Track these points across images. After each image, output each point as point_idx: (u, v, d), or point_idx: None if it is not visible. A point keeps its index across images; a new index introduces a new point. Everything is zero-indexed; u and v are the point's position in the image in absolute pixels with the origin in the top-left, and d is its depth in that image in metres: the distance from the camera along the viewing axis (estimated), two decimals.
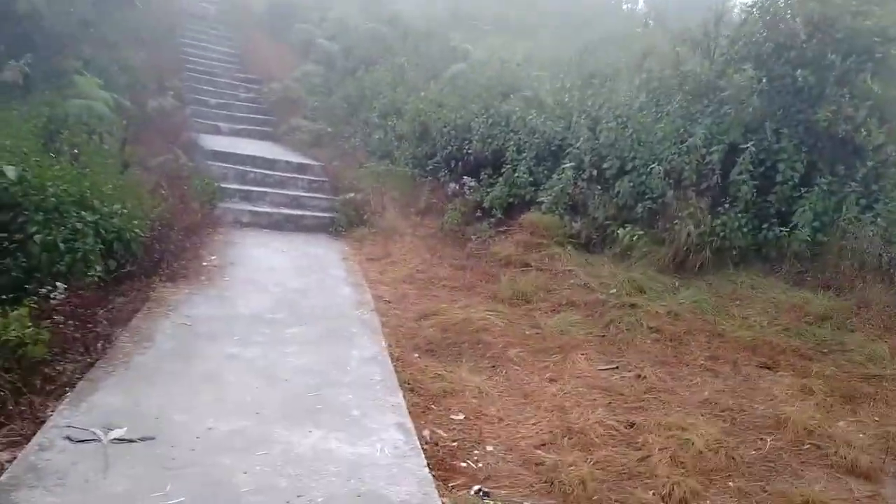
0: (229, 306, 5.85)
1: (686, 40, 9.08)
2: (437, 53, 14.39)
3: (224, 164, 10.04)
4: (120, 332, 4.91)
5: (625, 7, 19.57)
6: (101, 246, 5.55)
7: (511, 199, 8.84)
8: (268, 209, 9.37)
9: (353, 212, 9.49)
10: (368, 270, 7.69)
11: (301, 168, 10.79)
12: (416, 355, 5.33)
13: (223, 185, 9.39)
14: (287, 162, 10.74)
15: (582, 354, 5.59)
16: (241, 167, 10.12)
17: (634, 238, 7.57)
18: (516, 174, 8.85)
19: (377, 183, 10.17)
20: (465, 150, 9.72)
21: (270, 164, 10.55)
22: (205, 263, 6.93)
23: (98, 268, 5.39)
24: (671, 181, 7.68)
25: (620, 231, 7.69)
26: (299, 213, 9.55)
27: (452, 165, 9.93)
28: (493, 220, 8.79)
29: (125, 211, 6.00)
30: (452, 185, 9.84)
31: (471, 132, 9.75)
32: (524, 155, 9.02)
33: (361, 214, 9.51)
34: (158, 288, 5.96)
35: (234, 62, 16.87)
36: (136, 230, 5.97)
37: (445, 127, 10.09)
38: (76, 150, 7.84)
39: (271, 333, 5.32)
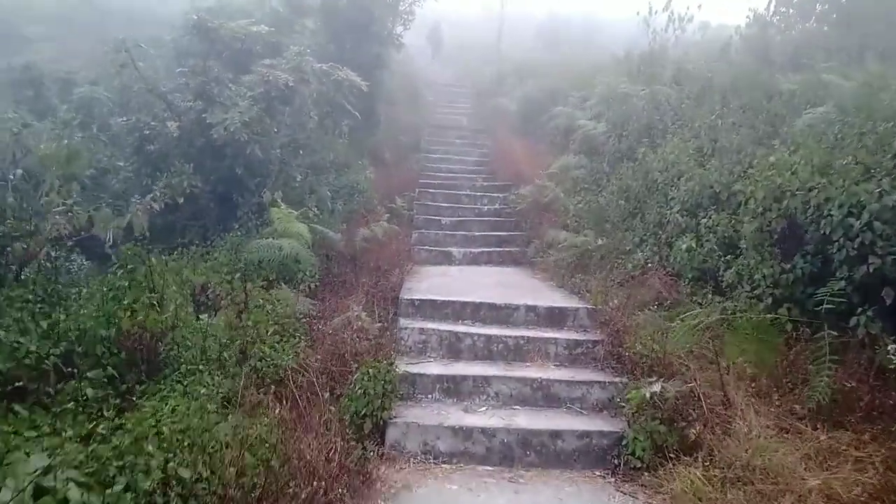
0: None
1: None
2: (761, 104, 8.69)
3: (427, 326, 5.66)
4: None
5: None
6: None
7: None
8: (488, 420, 4.54)
9: (664, 425, 4.18)
10: None
11: (554, 317, 5.92)
12: None
13: (414, 370, 4.97)
14: (530, 308, 5.97)
15: None
16: (452, 328, 5.63)
17: None
18: None
19: (702, 342, 4.80)
20: None
21: (503, 315, 5.92)
22: None
23: None
24: None
25: None
26: (548, 423, 4.54)
27: (891, 301, 4.13)
28: None
29: None
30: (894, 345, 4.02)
31: None
32: None
33: (681, 428, 4.18)
34: None
35: (481, 170, 13.32)
36: None
37: (851, 217, 4.42)
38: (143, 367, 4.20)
39: None
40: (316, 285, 7.63)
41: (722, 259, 6.00)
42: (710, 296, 5.97)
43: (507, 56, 21.98)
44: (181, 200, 8.60)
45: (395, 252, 8.84)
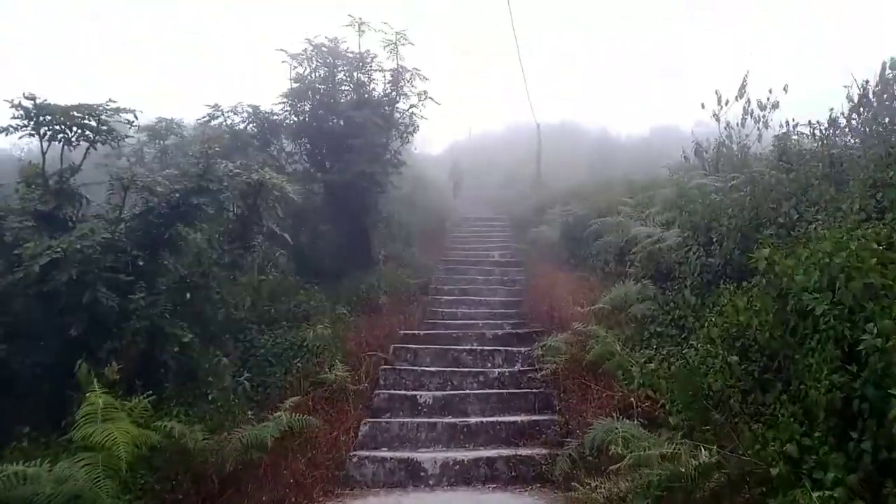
0: None
1: None
2: None
3: None
4: None
5: None
6: None
7: None
8: None
9: None
10: None
11: None
12: None
13: None
14: None
15: None
16: None
17: None
18: None
19: None
20: None
21: None
22: None
23: None
24: None
25: None
26: None
27: None
28: None
29: None
30: None
31: None
32: None
33: None
34: None
35: (508, 313, 9.51)
36: None
37: None
38: None
39: None
40: None
41: None
42: None
43: (550, 182, 18.86)
44: None
45: (306, 468, 4.73)
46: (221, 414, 5.60)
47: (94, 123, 5.92)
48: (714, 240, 5.90)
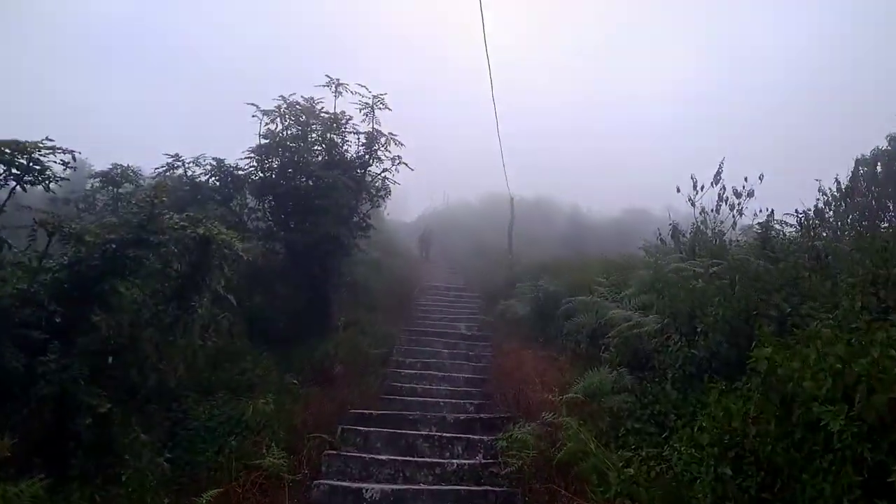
0: None
1: None
2: None
3: None
4: None
5: None
6: None
7: None
8: None
9: None
10: None
11: None
12: None
13: None
14: None
15: None
16: None
17: None
18: None
19: None
20: None
21: None
22: None
23: None
24: None
25: None
26: None
27: None
28: None
29: None
30: None
31: None
32: None
33: None
34: None
35: (472, 392, 8.86)
36: None
37: None
38: None
39: None
40: None
41: None
42: None
43: (521, 255, 18.55)
44: None
45: None
46: (132, 501, 4.77)
47: (24, 161, 5.30)
48: (699, 330, 5.42)
